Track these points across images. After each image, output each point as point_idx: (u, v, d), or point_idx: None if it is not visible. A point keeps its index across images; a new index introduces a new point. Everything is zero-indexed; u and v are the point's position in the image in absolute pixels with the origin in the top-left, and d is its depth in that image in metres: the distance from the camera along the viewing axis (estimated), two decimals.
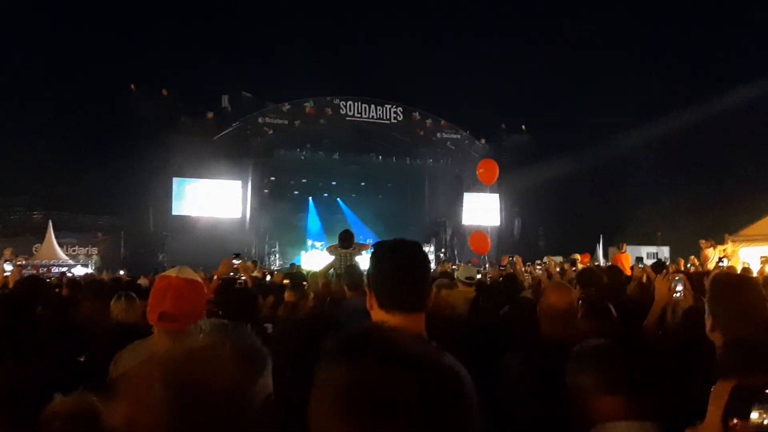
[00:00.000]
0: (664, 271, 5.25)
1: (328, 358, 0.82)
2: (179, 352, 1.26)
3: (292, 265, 18.17)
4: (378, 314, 1.77)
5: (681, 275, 3.45)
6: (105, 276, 12.68)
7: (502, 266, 8.46)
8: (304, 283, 5.62)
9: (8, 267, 5.26)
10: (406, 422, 0.73)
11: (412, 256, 1.83)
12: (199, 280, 2.29)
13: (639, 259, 9.92)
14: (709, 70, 30.89)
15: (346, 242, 7.59)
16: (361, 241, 8.37)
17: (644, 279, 6.37)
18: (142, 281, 8.18)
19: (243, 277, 6.36)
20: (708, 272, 6.81)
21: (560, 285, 3.15)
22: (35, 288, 4.61)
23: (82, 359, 2.84)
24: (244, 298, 3.90)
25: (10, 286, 5.14)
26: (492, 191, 28.12)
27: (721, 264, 8.63)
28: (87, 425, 1.53)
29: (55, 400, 1.62)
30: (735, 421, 1.29)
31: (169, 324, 2.11)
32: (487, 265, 14.33)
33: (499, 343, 3.07)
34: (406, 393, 0.74)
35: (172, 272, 2.25)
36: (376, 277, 1.81)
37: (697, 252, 13.03)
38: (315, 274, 6.93)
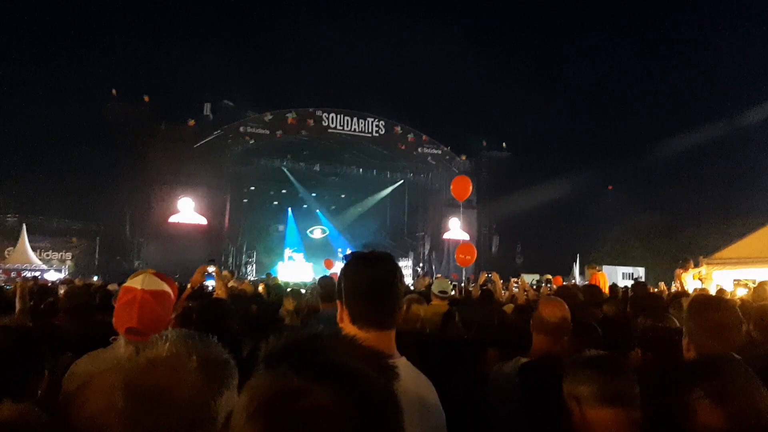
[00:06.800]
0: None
1: (261, 364, 0.81)
2: (142, 360, 1.23)
3: (268, 275, 18.05)
4: (349, 328, 1.69)
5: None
6: (78, 282, 12.43)
7: (483, 285, 8.42)
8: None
9: None
10: None
11: (387, 271, 1.75)
12: (165, 289, 2.22)
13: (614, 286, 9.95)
14: (689, 97, 31.58)
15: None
16: (339, 254, 8.36)
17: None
18: (112, 287, 7.98)
19: (212, 285, 6.09)
20: (676, 295, 6.86)
21: (553, 299, 3.10)
22: None
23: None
24: (215, 310, 3.42)
25: None
26: (471, 207, 28.30)
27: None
28: None
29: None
30: None
31: (136, 338, 2.08)
32: (467, 281, 14.34)
33: (468, 357, 3.03)
34: (325, 409, 0.72)
35: (136, 283, 2.17)
36: (350, 292, 1.73)
37: (671, 274, 13.15)
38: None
